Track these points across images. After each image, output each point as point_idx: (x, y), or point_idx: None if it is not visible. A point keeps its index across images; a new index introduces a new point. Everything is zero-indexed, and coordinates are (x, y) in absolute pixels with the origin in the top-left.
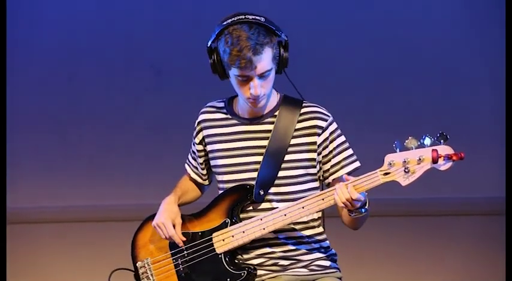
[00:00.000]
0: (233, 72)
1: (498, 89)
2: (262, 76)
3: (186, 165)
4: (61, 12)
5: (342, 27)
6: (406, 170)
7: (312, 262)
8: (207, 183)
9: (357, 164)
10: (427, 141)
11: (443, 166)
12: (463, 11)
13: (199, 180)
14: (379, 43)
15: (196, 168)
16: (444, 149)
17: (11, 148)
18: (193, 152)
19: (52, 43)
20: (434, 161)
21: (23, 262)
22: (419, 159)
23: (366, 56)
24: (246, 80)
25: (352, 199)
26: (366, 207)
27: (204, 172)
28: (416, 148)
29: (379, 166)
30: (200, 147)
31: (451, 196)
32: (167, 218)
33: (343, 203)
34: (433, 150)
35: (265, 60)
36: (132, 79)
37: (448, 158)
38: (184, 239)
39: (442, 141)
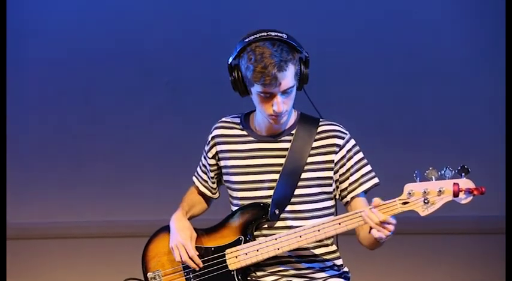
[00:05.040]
0: (256, 89)
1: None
2: (285, 93)
3: (195, 178)
4: (76, 29)
5: (355, 44)
6: (426, 201)
7: (324, 280)
8: (216, 197)
9: (376, 180)
10: (448, 173)
11: (464, 200)
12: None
13: (208, 194)
14: (394, 61)
15: (206, 182)
16: (465, 183)
17: (25, 163)
18: (204, 165)
19: (69, 60)
20: (456, 194)
21: (35, 277)
22: (440, 191)
23: (379, 75)
24: (269, 97)
25: (386, 222)
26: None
27: (214, 185)
28: (436, 179)
29: (388, 183)
30: (213, 161)
31: (467, 214)
32: (186, 238)
33: (378, 226)
34: (454, 183)
35: (288, 77)
36: (147, 96)
37: (469, 192)
38: (201, 264)
39: (463, 174)
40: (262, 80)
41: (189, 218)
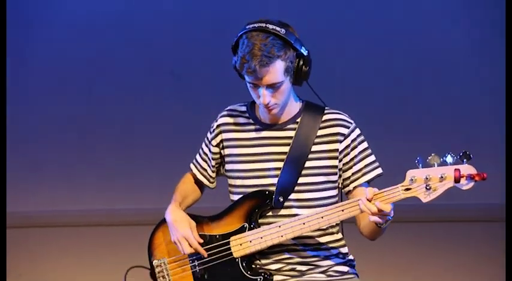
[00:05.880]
0: (245, 77)
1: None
2: (271, 87)
3: (193, 166)
4: (81, 18)
5: (358, 35)
6: (428, 187)
7: (329, 268)
8: (213, 186)
9: (379, 170)
10: (450, 159)
11: (466, 185)
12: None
13: (205, 182)
14: (397, 51)
15: (206, 170)
16: (467, 169)
17: (31, 152)
18: (205, 153)
19: (73, 49)
20: (457, 180)
21: (37, 266)
22: (442, 177)
23: (383, 64)
24: (255, 86)
25: (386, 212)
26: (392, 214)
27: (214, 175)
28: (438, 165)
29: (393, 172)
30: (216, 149)
31: (468, 202)
32: (185, 229)
33: (374, 215)
34: (455, 169)
35: (273, 73)
36: (152, 85)
37: (470, 178)
38: (206, 253)
39: (465, 160)
40: (245, 70)
41: (184, 209)
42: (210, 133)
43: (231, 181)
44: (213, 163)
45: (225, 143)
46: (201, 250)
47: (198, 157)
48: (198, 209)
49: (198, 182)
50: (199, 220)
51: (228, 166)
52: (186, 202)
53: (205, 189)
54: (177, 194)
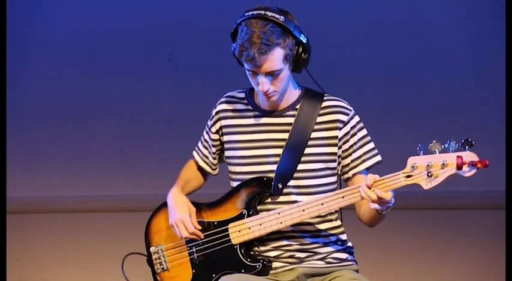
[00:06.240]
0: (244, 64)
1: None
2: (270, 74)
3: (195, 153)
4: (79, 3)
5: (357, 21)
6: (429, 174)
7: (328, 255)
8: (215, 173)
9: (378, 158)
10: (452, 146)
11: (468, 173)
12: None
13: (207, 169)
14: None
15: (207, 157)
16: (469, 156)
17: (29, 138)
18: (206, 140)
19: (71, 35)
20: (459, 167)
21: (36, 251)
22: (443, 164)
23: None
24: (254, 74)
25: (382, 199)
26: (393, 201)
27: (215, 161)
28: (440, 152)
29: (393, 160)
30: (216, 136)
31: (467, 189)
32: (184, 213)
33: (374, 203)
34: (458, 156)
35: (272, 60)
36: (149, 70)
37: (472, 165)
38: (202, 235)
39: (467, 147)
40: (244, 58)
41: (186, 194)
42: (210, 120)
43: (231, 168)
44: (214, 149)
45: (224, 130)
46: (198, 233)
47: (199, 144)
48: (200, 196)
49: (200, 169)
50: (198, 207)
51: (227, 153)
52: (188, 187)
53: (209, 176)
54: (180, 179)
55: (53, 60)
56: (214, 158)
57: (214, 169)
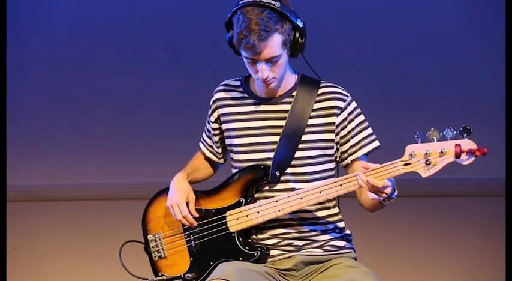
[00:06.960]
0: (242, 52)
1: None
2: (269, 61)
3: (201, 143)
4: None
5: (355, 7)
6: (428, 162)
7: (326, 242)
8: (222, 161)
9: (376, 143)
10: (450, 134)
11: (466, 161)
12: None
13: (214, 158)
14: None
15: (211, 146)
16: (467, 144)
17: (28, 127)
18: (208, 130)
19: (68, 23)
20: (457, 155)
21: (35, 239)
22: (442, 152)
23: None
24: (253, 62)
25: (378, 187)
26: (396, 193)
27: (220, 150)
28: (438, 140)
29: (391, 148)
30: (215, 125)
31: (466, 176)
32: (181, 197)
33: (372, 192)
34: (456, 144)
35: (271, 46)
36: (147, 58)
37: (471, 153)
38: (196, 223)
39: (465, 135)
40: (243, 46)
41: (193, 182)
42: (209, 109)
43: (232, 156)
44: (216, 138)
45: (222, 118)
46: (190, 218)
47: (204, 134)
48: (203, 183)
49: (207, 158)
50: (196, 195)
51: (227, 141)
52: (197, 175)
53: (219, 166)
54: (188, 165)
55: (51, 50)
56: (218, 147)
57: (220, 158)
